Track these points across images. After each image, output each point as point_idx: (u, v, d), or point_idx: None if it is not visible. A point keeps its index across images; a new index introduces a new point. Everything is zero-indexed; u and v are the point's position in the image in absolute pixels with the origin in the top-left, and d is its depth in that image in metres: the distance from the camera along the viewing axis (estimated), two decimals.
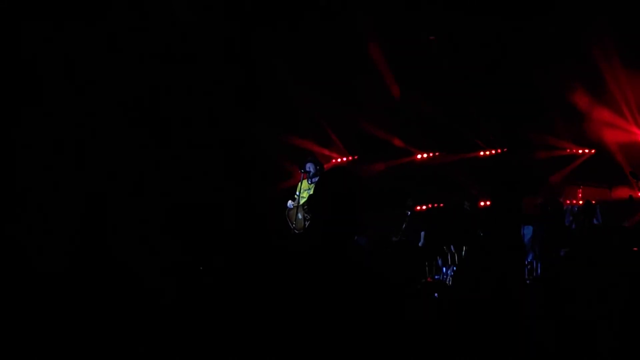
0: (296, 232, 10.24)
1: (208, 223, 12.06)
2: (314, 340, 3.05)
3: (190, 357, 4.60)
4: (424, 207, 14.49)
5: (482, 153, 14.70)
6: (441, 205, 14.28)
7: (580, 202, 12.95)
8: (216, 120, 13.18)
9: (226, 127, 13.34)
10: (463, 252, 11.32)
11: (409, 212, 12.51)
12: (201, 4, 11.93)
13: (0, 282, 6.68)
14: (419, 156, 15.07)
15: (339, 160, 15.15)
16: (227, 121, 13.32)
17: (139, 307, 5.79)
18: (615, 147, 13.35)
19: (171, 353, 4.75)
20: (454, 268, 11.11)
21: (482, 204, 13.87)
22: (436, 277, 11.10)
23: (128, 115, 12.16)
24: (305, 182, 10.36)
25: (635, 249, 10.07)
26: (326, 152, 14.86)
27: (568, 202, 13.30)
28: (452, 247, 11.38)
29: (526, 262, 11.32)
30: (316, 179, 10.15)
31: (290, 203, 10.40)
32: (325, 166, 11.57)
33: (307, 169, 10.26)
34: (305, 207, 10.04)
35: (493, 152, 14.62)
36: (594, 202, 12.10)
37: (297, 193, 10.35)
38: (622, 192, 12.81)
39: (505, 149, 14.50)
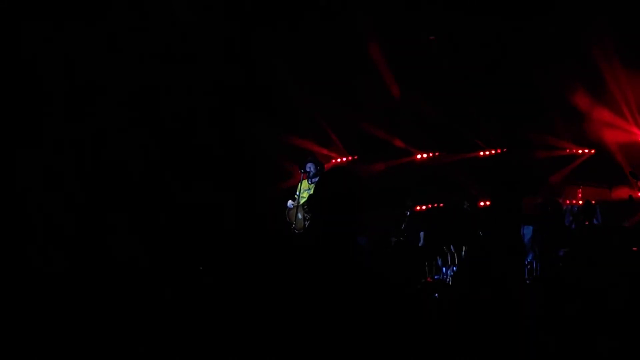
0: (296, 232, 10.24)
1: (208, 223, 12.06)
2: (314, 340, 3.05)
3: (190, 357, 4.60)
4: (424, 207, 14.49)
5: (482, 153, 14.70)
6: (441, 205, 14.28)
7: (580, 202, 12.95)
8: (216, 120, 13.18)
9: (226, 127, 13.34)
10: (463, 252, 11.32)
11: (409, 213, 12.52)
12: (201, 4, 11.93)
13: (0, 282, 6.69)
14: (419, 156, 15.07)
15: (339, 160, 15.15)
16: (227, 121, 13.32)
17: (139, 307, 5.79)
18: (615, 147, 13.35)
19: (171, 353, 4.75)
20: (454, 268, 11.12)
21: (482, 204, 13.87)
22: (436, 277, 11.11)
23: (128, 115, 12.16)
24: (305, 182, 10.37)
25: (635, 249, 10.07)
26: (326, 152, 14.86)
27: (568, 202, 13.30)
28: (452, 247, 11.38)
29: (526, 262, 11.32)
30: (316, 179, 10.15)
31: (290, 203, 10.41)
32: (326, 166, 11.57)
33: (308, 169, 10.26)
34: (305, 207, 10.04)
35: (493, 152, 14.62)
36: (594, 202, 12.09)
37: (297, 193, 10.35)
38: (622, 192, 12.81)
39: (505, 149, 14.50)
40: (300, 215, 10.18)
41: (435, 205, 14.46)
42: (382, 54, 13.40)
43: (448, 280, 10.80)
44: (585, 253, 10.33)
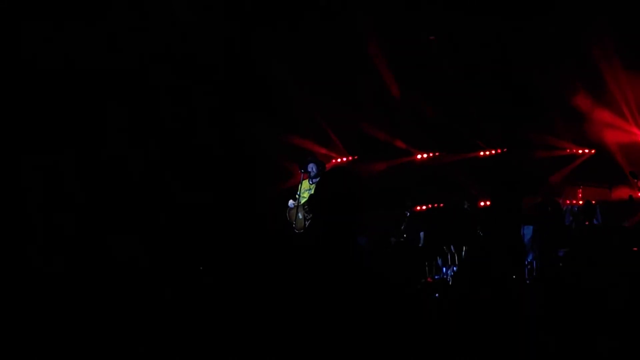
0: (297, 231, 10.25)
1: (208, 223, 12.06)
2: (315, 339, 3.05)
3: (190, 357, 4.60)
4: (424, 207, 14.49)
5: (482, 153, 14.70)
6: (441, 205, 14.28)
7: (580, 202, 12.95)
8: (216, 120, 13.18)
9: (226, 127, 13.35)
10: (463, 252, 11.32)
11: (408, 213, 12.51)
12: (201, 4, 11.93)
13: (0, 282, 6.69)
14: (419, 156, 15.07)
15: (339, 160, 15.15)
16: (227, 121, 13.33)
17: (139, 307, 5.79)
18: (615, 147, 13.34)
19: (171, 353, 4.75)
20: (454, 268, 11.12)
21: (482, 204, 13.87)
22: (436, 277, 11.11)
23: (128, 115, 12.17)
24: (306, 182, 10.37)
25: (635, 249, 10.07)
26: (326, 152, 14.85)
27: (568, 202, 13.30)
28: (452, 247, 11.38)
29: (526, 262, 11.32)
30: (317, 179, 10.15)
31: (291, 202, 10.42)
32: (326, 166, 11.58)
33: (309, 170, 10.27)
34: (306, 207, 10.05)
35: (493, 152, 14.62)
36: (594, 202, 12.09)
37: (298, 193, 10.36)
38: (622, 192, 12.81)
39: (505, 149, 14.50)
40: (300, 215, 10.18)
41: (435, 205, 14.46)
42: (382, 54, 13.40)
43: (448, 280, 10.81)
44: (585, 253, 10.33)
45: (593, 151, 13.94)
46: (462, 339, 5.23)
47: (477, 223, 11.83)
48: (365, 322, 3.06)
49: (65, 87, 11.55)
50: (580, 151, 14.09)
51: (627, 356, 5.21)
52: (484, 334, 5.47)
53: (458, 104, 13.86)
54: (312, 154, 13.53)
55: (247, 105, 13.23)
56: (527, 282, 10.44)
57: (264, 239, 11.43)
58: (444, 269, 11.32)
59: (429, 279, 10.89)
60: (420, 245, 12.15)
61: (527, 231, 11.75)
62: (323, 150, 14.74)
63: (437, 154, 15.01)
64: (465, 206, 12.37)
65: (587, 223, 11.44)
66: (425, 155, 15.05)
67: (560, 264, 10.70)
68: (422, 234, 12.23)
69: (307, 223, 10.07)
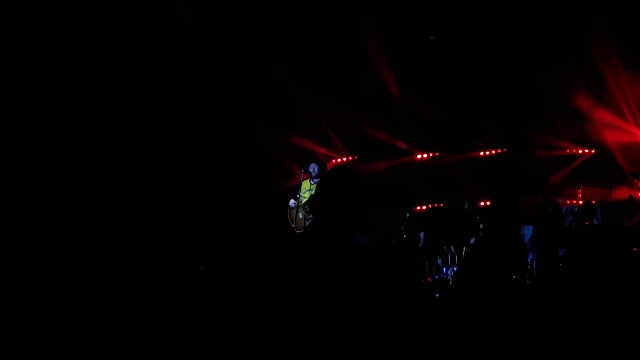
0: (297, 231, 10.26)
1: (208, 223, 12.06)
2: (315, 339, 3.05)
3: (190, 357, 4.60)
4: (424, 207, 14.48)
5: (482, 153, 14.69)
6: (441, 205, 14.28)
7: (580, 202, 12.95)
8: (216, 120, 13.18)
9: (226, 127, 13.35)
10: (463, 252, 11.32)
11: (408, 214, 12.50)
12: (201, 4, 11.93)
13: (0, 282, 6.69)
14: (419, 156, 15.07)
15: (339, 160, 15.15)
16: (227, 121, 13.33)
17: (139, 307, 5.79)
18: (615, 147, 13.34)
19: (171, 353, 4.75)
20: (454, 268, 11.12)
21: (482, 204, 13.87)
22: (436, 277, 11.11)
23: (128, 115, 12.17)
24: (307, 182, 10.39)
25: (635, 249, 10.07)
26: (326, 152, 14.85)
27: (568, 202, 13.30)
28: (452, 247, 11.38)
29: (526, 262, 11.32)
30: (318, 179, 10.16)
31: (292, 202, 10.43)
32: (327, 166, 11.58)
33: (310, 170, 10.27)
34: (306, 207, 10.05)
35: (493, 152, 14.61)
36: (594, 202, 12.09)
37: (299, 193, 10.37)
38: (622, 192, 12.81)
39: (505, 149, 14.49)
40: (300, 215, 10.19)
41: (435, 205, 14.46)
42: (382, 54, 13.39)
43: (448, 280, 10.81)
44: (585, 253, 10.32)
45: (593, 151, 13.94)
46: (462, 339, 5.23)
47: (479, 224, 11.82)
48: (366, 322, 3.06)
49: (65, 87, 11.56)
50: (580, 151, 14.09)
51: (627, 356, 5.21)
52: (484, 334, 5.47)
53: (458, 104, 13.85)
54: (313, 154, 13.54)
55: (247, 105, 13.22)
56: (527, 282, 10.44)
57: (264, 239, 11.43)
58: (444, 269, 11.32)
59: (429, 279, 10.89)
60: (420, 245, 12.15)
61: (527, 231, 11.75)
62: (323, 150, 14.73)
63: (437, 154, 15.00)
64: (466, 206, 12.37)
65: (587, 223, 11.44)
66: (425, 155, 15.05)
67: (560, 264, 10.69)
68: (422, 234, 12.23)
69: (307, 223, 10.08)
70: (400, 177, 14.52)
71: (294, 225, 10.30)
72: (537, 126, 13.71)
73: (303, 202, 10.20)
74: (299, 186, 10.53)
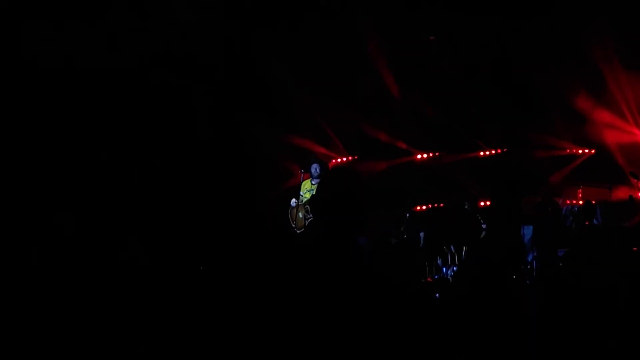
0: (297, 231, 10.27)
1: (208, 223, 12.06)
2: (314, 339, 3.05)
3: (190, 357, 4.60)
4: (424, 207, 14.48)
5: (482, 153, 14.70)
6: (441, 205, 14.28)
7: (580, 202, 12.95)
8: (216, 120, 13.19)
9: (226, 127, 13.35)
10: (463, 252, 11.32)
11: (408, 214, 12.51)
12: (201, 4, 11.93)
13: (1, 282, 6.69)
14: (419, 156, 15.07)
15: (339, 160, 15.16)
16: (227, 121, 13.33)
17: (139, 307, 5.79)
18: (615, 147, 13.34)
19: (171, 353, 4.75)
20: (454, 268, 11.12)
21: (482, 204, 13.87)
22: (436, 277, 11.11)
23: (128, 115, 12.17)
24: (308, 182, 10.40)
25: (635, 249, 10.07)
26: (326, 152, 14.85)
27: (568, 202, 13.30)
28: (452, 247, 11.38)
29: (526, 262, 11.32)
30: (319, 179, 10.17)
31: (293, 201, 10.45)
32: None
33: (312, 170, 10.29)
34: (307, 206, 10.07)
35: (493, 152, 14.61)
36: (594, 202, 12.09)
37: (301, 193, 10.39)
38: (622, 192, 12.81)
39: (505, 149, 14.49)
40: (300, 215, 10.20)
41: (435, 205, 14.46)
42: (382, 54, 13.39)
43: (449, 280, 10.81)
44: (585, 253, 10.32)
45: (593, 151, 13.94)
46: (462, 339, 5.23)
47: (481, 224, 11.82)
48: (365, 322, 3.06)
49: (64, 87, 11.56)
50: (580, 151, 14.09)
51: (627, 356, 5.20)
52: (484, 334, 5.47)
53: (458, 104, 13.85)
54: (314, 154, 13.56)
55: (247, 105, 13.22)
56: (527, 282, 10.44)
57: (264, 238, 11.43)
58: (444, 269, 11.32)
59: (429, 279, 10.89)
60: (420, 245, 12.15)
61: (527, 231, 11.75)
62: (323, 150, 14.73)
63: (437, 154, 15.00)
64: (466, 206, 12.37)
65: (587, 223, 11.44)
66: (425, 155, 15.05)
67: (560, 264, 10.69)
68: (422, 234, 12.23)
69: (306, 222, 10.10)
70: (400, 177, 14.52)
71: (294, 225, 10.32)
72: (537, 126, 13.72)
73: (304, 202, 10.21)
74: (299, 186, 10.54)
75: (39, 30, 10.82)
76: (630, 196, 12.10)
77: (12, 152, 10.99)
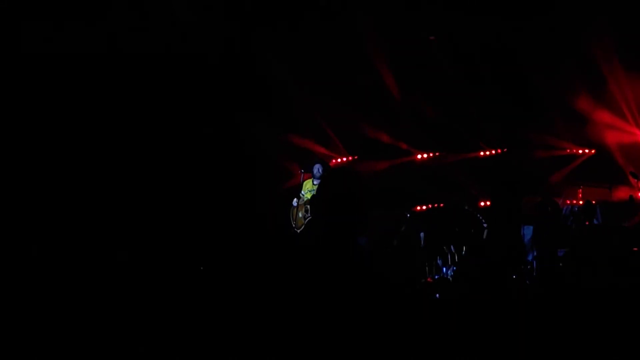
0: (297, 230, 10.28)
1: (208, 223, 12.07)
2: (314, 339, 3.05)
3: (190, 357, 4.60)
4: (424, 207, 14.48)
5: (482, 153, 14.69)
6: (441, 205, 14.27)
7: (580, 202, 12.95)
8: (216, 120, 13.19)
9: (226, 127, 13.35)
10: (463, 252, 11.32)
11: (409, 214, 12.50)
12: (201, 4, 11.94)
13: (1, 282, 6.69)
14: (419, 156, 15.06)
15: (339, 160, 15.15)
16: (227, 121, 13.33)
17: (139, 307, 5.79)
18: (615, 147, 13.33)
19: (171, 353, 4.75)
20: (454, 268, 11.12)
21: (482, 204, 13.87)
22: (436, 277, 11.11)
23: (128, 115, 12.17)
24: (310, 183, 10.42)
25: (635, 249, 10.07)
26: (326, 152, 14.85)
27: (568, 202, 13.29)
28: (452, 247, 11.38)
29: (526, 262, 11.32)
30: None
31: (295, 201, 10.46)
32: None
33: (315, 170, 10.29)
34: (307, 206, 10.07)
35: (493, 152, 14.61)
36: (594, 202, 12.08)
37: (302, 192, 10.40)
38: (622, 192, 12.81)
39: (505, 149, 14.49)
40: (300, 214, 10.21)
41: (435, 205, 14.45)
42: (382, 54, 13.39)
43: (449, 280, 10.81)
44: (585, 253, 10.32)
45: (593, 151, 13.93)
46: (462, 339, 5.23)
47: (482, 225, 11.82)
48: (365, 322, 3.05)
49: (64, 87, 11.56)
50: (580, 151, 14.08)
51: (627, 356, 5.20)
52: (484, 334, 5.47)
53: (458, 104, 13.85)
54: (316, 155, 13.57)
55: (247, 105, 13.22)
56: (527, 282, 10.44)
57: (264, 238, 11.43)
58: (444, 269, 11.32)
59: (429, 279, 10.89)
60: (420, 245, 12.15)
61: (527, 231, 11.75)
62: (323, 150, 14.73)
63: (437, 154, 14.99)
64: (466, 207, 12.37)
65: (587, 223, 11.44)
66: (425, 155, 15.05)
67: (560, 264, 10.69)
68: (422, 234, 12.23)
69: (305, 222, 10.11)
70: (400, 177, 14.51)
71: (294, 225, 10.33)
72: (537, 126, 13.71)
73: (304, 201, 10.22)
74: (300, 186, 10.55)
75: (39, 31, 10.82)
76: (630, 196, 12.10)
77: (10, 152, 10.99)
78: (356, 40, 12.81)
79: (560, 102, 13.27)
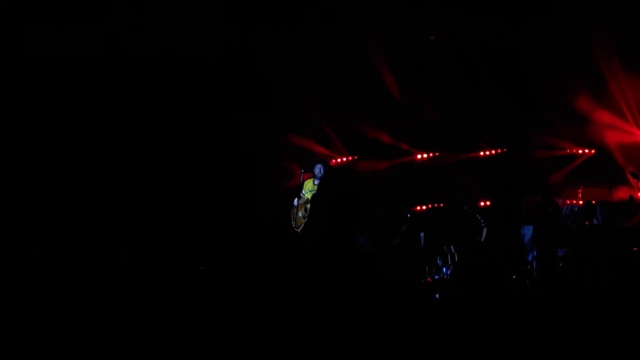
0: (297, 230, 10.29)
1: (208, 223, 12.07)
2: (314, 339, 3.05)
3: (190, 357, 4.60)
4: (424, 207, 14.48)
5: (482, 153, 14.69)
6: (441, 205, 14.27)
7: (580, 202, 12.95)
8: (216, 120, 13.19)
9: (226, 127, 13.35)
10: (463, 252, 11.32)
11: (409, 215, 12.51)
12: (201, 4, 11.94)
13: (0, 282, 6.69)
14: (419, 156, 15.06)
15: (339, 160, 15.16)
16: (227, 121, 13.33)
17: (139, 307, 5.79)
18: (615, 148, 13.33)
19: (171, 353, 4.75)
20: (452, 268, 11.12)
21: (482, 204, 13.87)
22: (436, 277, 11.12)
23: (127, 115, 12.18)
24: (310, 183, 10.43)
25: (635, 249, 10.07)
26: (326, 152, 14.85)
27: (568, 202, 13.30)
28: (452, 247, 11.38)
29: (526, 262, 11.32)
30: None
31: (296, 201, 10.48)
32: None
33: (317, 171, 10.30)
34: (306, 206, 10.08)
35: (493, 152, 14.61)
36: (594, 202, 12.09)
37: (303, 192, 10.41)
38: (622, 192, 12.81)
39: (505, 149, 14.49)
40: (300, 214, 10.22)
41: (435, 205, 14.45)
42: (382, 54, 13.39)
43: (449, 279, 10.81)
44: (585, 253, 10.32)
45: (593, 151, 13.93)
46: (462, 339, 5.23)
47: (480, 225, 11.81)
48: (365, 322, 3.05)
49: (64, 87, 11.56)
50: (580, 151, 14.08)
51: (627, 356, 5.21)
52: (484, 334, 5.47)
53: (458, 104, 13.85)
54: (317, 155, 13.57)
55: (247, 105, 13.22)
56: (527, 282, 10.44)
57: (264, 238, 11.43)
58: (444, 269, 11.32)
59: (429, 279, 10.89)
60: (420, 245, 12.15)
61: (527, 231, 11.75)
62: (323, 150, 14.73)
63: (437, 154, 15.00)
64: (465, 207, 12.37)
65: (587, 223, 11.44)
66: (425, 155, 15.05)
67: (560, 264, 10.69)
68: (422, 234, 12.23)
69: (305, 221, 10.12)
70: (400, 177, 14.51)
71: (294, 224, 10.35)
72: (537, 126, 13.71)
73: (304, 201, 10.23)
74: (300, 185, 10.55)
75: (39, 30, 10.83)
76: (630, 196, 12.09)
77: (10, 151, 11.00)
78: (356, 40, 12.81)
79: (560, 102, 13.26)
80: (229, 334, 4.27)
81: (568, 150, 14.13)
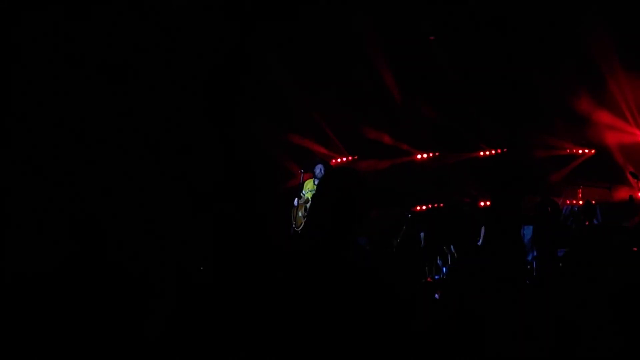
0: (297, 230, 10.30)
1: (207, 223, 12.05)
2: (313, 339, 3.05)
3: (190, 357, 4.60)
4: (424, 207, 14.48)
5: (482, 153, 14.70)
6: (441, 205, 14.28)
7: (580, 202, 12.95)
8: (216, 120, 13.18)
9: (226, 127, 13.35)
10: (462, 253, 11.32)
11: (409, 215, 12.51)
12: (201, 4, 11.93)
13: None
14: (419, 156, 15.07)
15: (339, 160, 15.16)
16: (227, 121, 13.32)
17: (139, 307, 5.78)
18: (615, 148, 13.34)
19: (171, 353, 4.75)
20: (450, 267, 11.14)
21: (482, 204, 13.87)
22: (436, 277, 11.12)
23: (127, 115, 12.16)
24: (311, 183, 10.43)
25: (635, 249, 10.06)
26: (326, 152, 14.85)
27: (568, 202, 13.30)
28: (452, 247, 11.38)
29: (526, 262, 11.32)
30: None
31: (296, 201, 10.48)
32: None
33: (317, 171, 10.31)
34: (306, 205, 10.09)
35: (493, 152, 14.62)
36: (594, 202, 12.09)
37: (303, 192, 10.42)
38: (622, 192, 12.81)
39: (505, 149, 14.49)
40: (300, 214, 10.23)
41: (435, 205, 14.46)
42: (382, 54, 13.39)
43: (449, 279, 10.82)
44: (585, 253, 10.32)
45: (593, 151, 13.94)
46: (462, 340, 5.23)
47: (477, 224, 11.82)
48: (364, 322, 3.05)
49: (64, 87, 11.55)
50: (580, 151, 14.09)
51: (627, 356, 5.20)
52: (484, 334, 5.47)
53: (458, 104, 13.85)
54: (318, 155, 13.58)
55: (247, 105, 13.22)
56: (527, 282, 10.44)
57: (264, 239, 11.42)
58: (444, 269, 11.33)
59: (429, 279, 10.90)
60: (420, 245, 12.16)
61: (527, 231, 11.75)
62: (323, 150, 14.73)
63: (437, 154, 15.00)
64: (465, 209, 12.38)
65: (587, 223, 11.44)
66: (425, 155, 15.05)
67: (560, 264, 10.69)
68: (422, 234, 12.24)
69: (304, 221, 10.14)
70: (400, 177, 14.51)
71: (294, 224, 10.36)
72: (537, 126, 13.71)
73: (304, 201, 10.24)
74: (300, 186, 10.56)
75: (38, 29, 10.82)
76: (630, 196, 12.09)
77: (8, 150, 10.99)
78: (356, 40, 12.81)
79: (560, 102, 13.26)
80: (229, 334, 4.27)
81: (568, 150, 14.13)
